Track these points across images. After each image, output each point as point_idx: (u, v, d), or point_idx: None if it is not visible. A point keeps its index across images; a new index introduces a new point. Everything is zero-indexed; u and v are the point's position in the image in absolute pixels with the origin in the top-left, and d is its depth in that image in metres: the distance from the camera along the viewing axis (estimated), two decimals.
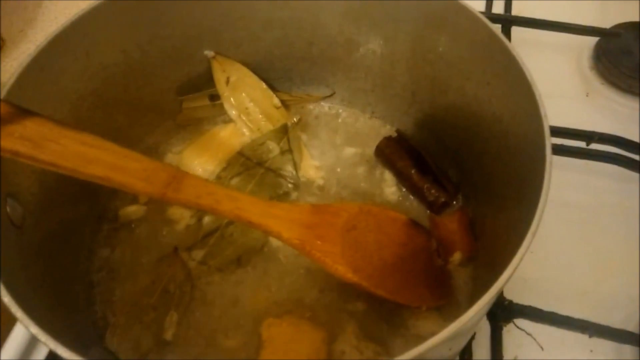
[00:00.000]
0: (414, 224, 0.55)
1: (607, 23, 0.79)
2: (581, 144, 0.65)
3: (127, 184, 0.40)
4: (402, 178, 0.60)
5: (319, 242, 0.47)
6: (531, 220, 0.35)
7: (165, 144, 0.63)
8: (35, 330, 0.33)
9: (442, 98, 0.55)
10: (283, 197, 0.59)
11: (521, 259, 0.33)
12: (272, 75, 0.64)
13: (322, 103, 0.66)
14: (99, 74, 0.53)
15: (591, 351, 0.55)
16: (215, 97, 0.63)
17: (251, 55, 0.62)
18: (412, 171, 0.58)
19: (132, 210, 0.58)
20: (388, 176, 0.61)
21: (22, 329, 0.53)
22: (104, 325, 0.52)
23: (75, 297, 0.52)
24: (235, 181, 0.60)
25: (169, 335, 0.50)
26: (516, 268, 0.33)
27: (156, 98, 0.60)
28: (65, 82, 0.49)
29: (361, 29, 0.57)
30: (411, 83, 0.58)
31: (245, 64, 0.62)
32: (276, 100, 0.63)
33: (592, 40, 0.78)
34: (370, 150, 0.62)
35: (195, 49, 0.60)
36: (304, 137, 0.64)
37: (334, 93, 0.65)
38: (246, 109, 0.63)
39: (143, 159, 0.42)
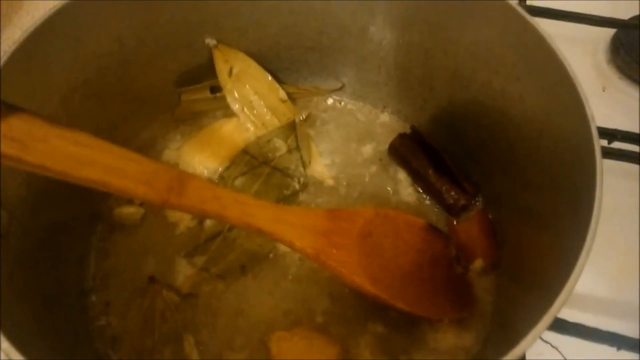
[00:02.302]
0: (433, 228, 0.52)
1: (625, 14, 0.75)
2: (602, 142, 0.62)
3: (125, 188, 0.36)
4: (418, 178, 0.56)
5: (334, 250, 0.44)
6: (582, 238, 0.31)
7: (162, 139, 0.59)
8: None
9: (464, 93, 0.51)
10: (290, 198, 0.55)
11: (577, 280, 0.29)
12: (278, 66, 0.60)
13: (331, 97, 0.62)
14: (91, 64, 0.48)
15: None
16: (216, 89, 0.59)
17: (256, 44, 0.57)
18: (430, 171, 0.54)
19: (129, 212, 0.53)
20: (402, 176, 0.58)
21: None
22: (99, 335, 0.48)
23: (67, 308, 0.47)
24: (239, 181, 0.55)
25: (196, 357, 0.47)
26: (571, 291, 0.29)
27: (153, 90, 0.56)
28: (54, 72, 0.45)
29: (376, 17, 0.53)
30: (429, 76, 0.54)
31: (249, 53, 0.58)
32: (282, 94, 0.59)
33: (609, 32, 0.74)
34: (383, 147, 0.59)
35: (196, 37, 0.55)
36: (311, 133, 0.60)
37: (344, 86, 0.61)
38: (250, 102, 0.58)
39: (143, 160, 0.37)
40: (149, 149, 0.58)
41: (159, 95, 0.57)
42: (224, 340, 0.48)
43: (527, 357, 0.50)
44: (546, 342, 0.50)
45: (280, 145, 0.57)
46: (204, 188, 0.40)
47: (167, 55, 0.55)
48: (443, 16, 0.48)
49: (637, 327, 0.52)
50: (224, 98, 0.59)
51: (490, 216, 0.53)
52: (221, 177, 0.56)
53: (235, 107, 0.59)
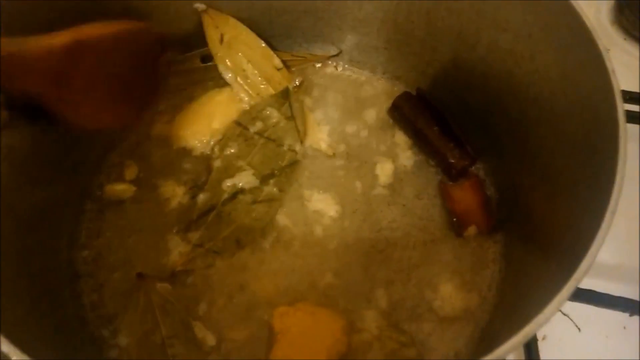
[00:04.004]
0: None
1: None
2: None
3: None
4: (419, 137, 0.54)
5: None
6: (605, 200, 0.29)
7: (151, 113, 0.56)
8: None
9: (469, 54, 0.49)
10: (287, 169, 0.53)
11: (599, 247, 0.28)
12: (270, 32, 0.56)
13: (328, 63, 0.59)
14: None
15: (624, 328, 0.51)
16: (207, 58, 0.56)
17: (246, 9, 0.54)
18: (435, 128, 0.52)
19: (120, 189, 0.51)
20: (400, 139, 0.55)
21: None
22: (93, 321, 0.46)
23: (58, 291, 0.45)
24: (231, 153, 0.53)
25: (211, 341, 0.45)
26: (594, 259, 0.28)
27: None
28: None
29: None
30: (432, 38, 0.51)
31: (241, 19, 0.55)
32: (277, 61, 0.56)
33: None
34: (382, 113, 0.56)
35: (182, 2, 0.52)
36: (308, 101, 0.57)
37: (341, 52, 0.58)
38: (243, 71, 0.55)
39: None
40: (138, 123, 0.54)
41: None
42: (223, 317, 0.46)
43: None
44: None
45: (274, 115, 0.54)
46: None
47: (153, 23, 0.51)
48: None
49: None
50: (215, 67, 0.56)
51: (495, 180, 0.52)
52: (212, 150, 0.53)
53: (228, 76, 0.56)
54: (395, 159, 0.55)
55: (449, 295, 0.48)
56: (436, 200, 0.52)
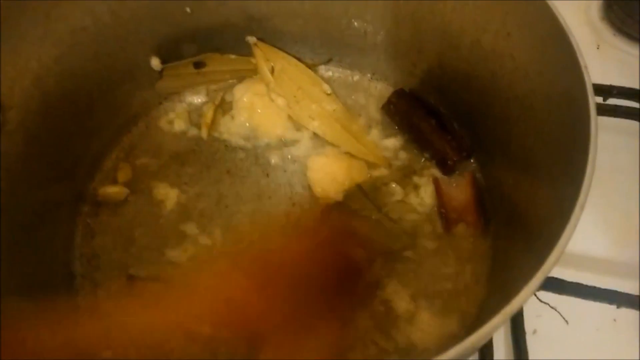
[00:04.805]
0: None
1: None
2: (597, 99, 0.60)
3: None
4: (414, 131, 0.55)
5: None
6: (575, 193, 0.30)
7: (145, 117, 0.57)
8: None
9: (453, 54, 0.50)
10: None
11: (569, 237, 0.28)
12: (260, 36, 0.57)
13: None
14: (64, 40, 0.47)
15: (614, 320, 0.52)
16: (200, 65, 0.57)
17: (236, 13, 0.55)
18: (432, 122, 0.53)
19: (113, 192, 0.52)
20: (390, 143, 0.56)
21: None
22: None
23: (54, 291, 0.46)
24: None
25: None
26: (565, 246, 0.28)
27: (132, 66, 0.54)
28: (24, 49, 0.43)
29: None
30: (417, 39, 0.53)
31: (229, 24, 0.56)
32: (326, 87, 0.58)
33: None
34: (371, 114, 0.58)
35: (173, 8, 0.53)
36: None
37: (331, 60, 0.59)
38: (295, 97, 0.57)
39: None
40: (130, 126, 0.56)
41: (138, 71, 0.55)
42: None
43: (525, 319, 0.49)
44: (544, 302, 0.50)
45: (397, 191, 0.53)
46: None
47: (145, 29, 0.52)
48: None
49: (636, 284, 0.51)
50: (208, 73, 0.58)
51: (484, 176, 0.53)
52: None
53: (280, 102, 0.57)
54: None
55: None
56: None
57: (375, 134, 0.57)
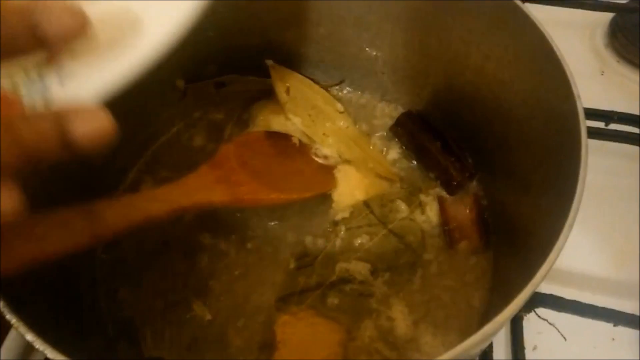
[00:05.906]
0: (271, 133, 0.57)
1: None
2: (599, 124, 0.63)
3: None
4: (420, 151, 0.58)
5: (240, 187, 0.49)
6: (566, 211, 0.32)
7: (167, 132, 0.60)
8: (30, 337, 0.31)
9: (459, 79, 0.53)
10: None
11: (558, 254, 0.31)
12: (274, 60, 0.60)
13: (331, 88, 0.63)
14: None
15: (613, 339, 0.53)
16: (220, 85, 0.60)
17: (252, 37, 0.59)
18: (438, 144, 0.56)
19: None
20: (397, 162, 0.59)
21: None
22: (112, 321, 0.50)
23: (78, 297, 0.49)
24: (352, 233, 0.54)
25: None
26: (554, 263, 0.31)
27: (155, 85, 0.57)
28: None
29: (372, 8, 0.54)
30: (424, 65, 0.55)
31: (247, 46, 0.59)
32: (339, 106, 0.61)
33: (607, 16, 0.75)
34: (380, 135, 0.60)
35: (197, 29, 0.56)
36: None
37: (343, 81, 0.63)
38: (309, 115, 0.60)
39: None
40: (153, 140, 0.60)
41: (165, 90, 0.58)
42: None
43: (524, 335, 0.51)
44: (543, 319, 0.52)
45: (402, 208, 0.55)
46: (116, 206, 0.41)
47: (174, 52, 0.56)
48: (436, 6, 0.50)
49: (636, 304, 0.53)
50: (228, 92, 0.61)
51: (486, 195, 0.55)
52: (335, 223, 0.55)
53: (295, 121, 0.60)
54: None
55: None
56: None
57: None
